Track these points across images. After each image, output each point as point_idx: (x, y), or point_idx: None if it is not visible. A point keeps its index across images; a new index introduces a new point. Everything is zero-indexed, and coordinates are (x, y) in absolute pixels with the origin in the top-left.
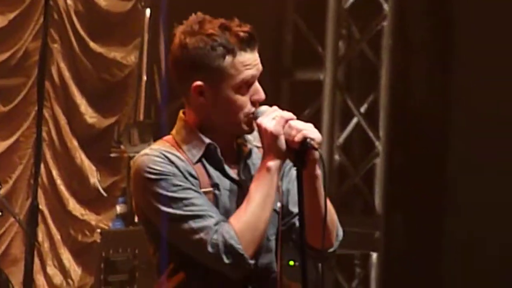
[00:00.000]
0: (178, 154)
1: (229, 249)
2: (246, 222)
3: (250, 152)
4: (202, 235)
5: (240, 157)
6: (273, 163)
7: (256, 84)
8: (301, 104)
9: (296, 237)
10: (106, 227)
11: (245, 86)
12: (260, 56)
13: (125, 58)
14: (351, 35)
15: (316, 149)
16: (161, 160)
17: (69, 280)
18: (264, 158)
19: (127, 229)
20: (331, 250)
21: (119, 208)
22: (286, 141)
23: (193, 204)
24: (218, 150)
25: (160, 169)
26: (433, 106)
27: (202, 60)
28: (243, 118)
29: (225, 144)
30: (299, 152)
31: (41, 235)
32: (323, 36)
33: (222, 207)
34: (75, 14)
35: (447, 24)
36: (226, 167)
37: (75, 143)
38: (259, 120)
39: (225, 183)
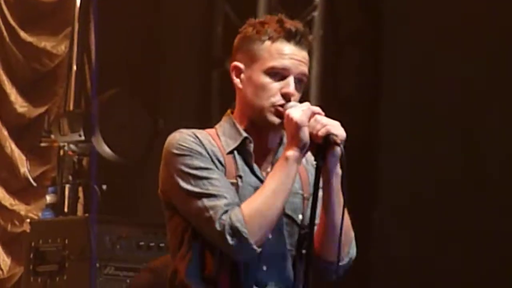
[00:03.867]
0: (212, 140)
1: (234, 231)
2: (255, 208)
3: None
4: (211, 213)
5: (276, 158)
6: (292, 153)
7: (290, 79)
8: (232, 94)
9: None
10: (36, 217)
11: (276, 73)
12: (190, 47)
13: (55, 48)
14: None
15: (339, 145)
16: (192, 139)
17: None
18: (286, 148)
19: (57, 219)
20: (341, 263)
21: (48, 198)
22: (310, 134)
23: (211, 184)
24: (252, 145)
25: (188, 146)
26: (362, 98)
27: (244, 42)
28: (270, 105)
29: (262, 142)
30: (321, 147)
31: None
32: None
33: (242, 200)
34: (5, 3)
35: (378, 15)
36: (255, 165)
37: (5, 132)
38: (288, 110)
39: (250, 179)
